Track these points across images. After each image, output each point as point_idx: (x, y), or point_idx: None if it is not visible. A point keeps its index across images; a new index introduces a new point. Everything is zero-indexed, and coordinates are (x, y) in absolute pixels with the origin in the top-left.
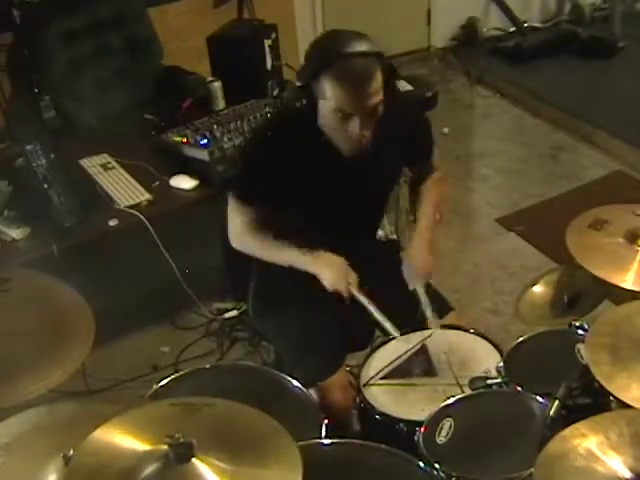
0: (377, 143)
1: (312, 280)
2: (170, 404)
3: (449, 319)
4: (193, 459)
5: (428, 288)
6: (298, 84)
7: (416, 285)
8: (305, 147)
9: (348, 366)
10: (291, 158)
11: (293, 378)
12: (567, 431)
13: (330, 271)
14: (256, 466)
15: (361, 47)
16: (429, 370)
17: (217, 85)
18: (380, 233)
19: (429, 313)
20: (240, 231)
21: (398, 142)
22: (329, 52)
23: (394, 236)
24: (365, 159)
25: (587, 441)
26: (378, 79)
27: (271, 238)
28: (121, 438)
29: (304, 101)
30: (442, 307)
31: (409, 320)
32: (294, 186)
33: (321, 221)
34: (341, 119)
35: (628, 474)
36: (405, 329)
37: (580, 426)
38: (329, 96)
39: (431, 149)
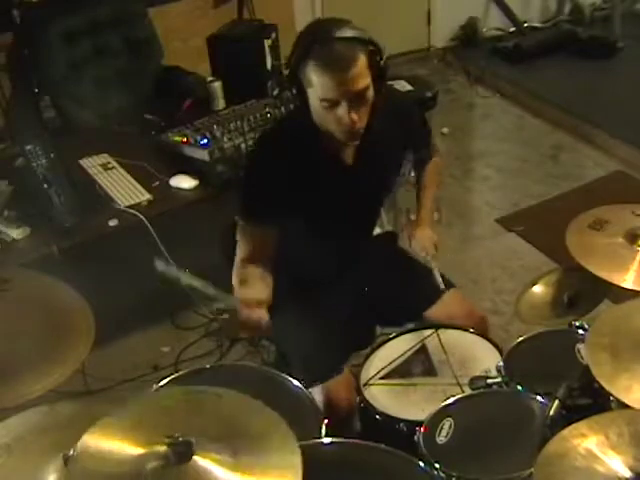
0: (377, 145)
1: (315, 281)
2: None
3: (450, 295)
4: (193, 458)
5: (426, 269)
6: (286, 73)
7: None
8: (305, 157)
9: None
10: (292, 172)
11: (293, 378)
12: (567, 431)
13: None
14: (256, 466)
15: (343, 33)
16: (429, 370)
17: (217, 85)
18: (379, 232)
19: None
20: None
21: (397, 143)
22: (311, 39)
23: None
24: (366, 162)
25: (587, 441)
26: (361, 64)
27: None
28: (121, 438)
29: (295, 92)
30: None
31: (410, 315)
32: (296, 197)
33: (320, 225)
34: (328, 107)
35: (628, 474)
36: (407, 327)
37: (580, 426)
38: (314, 84)
39: (429, 136)
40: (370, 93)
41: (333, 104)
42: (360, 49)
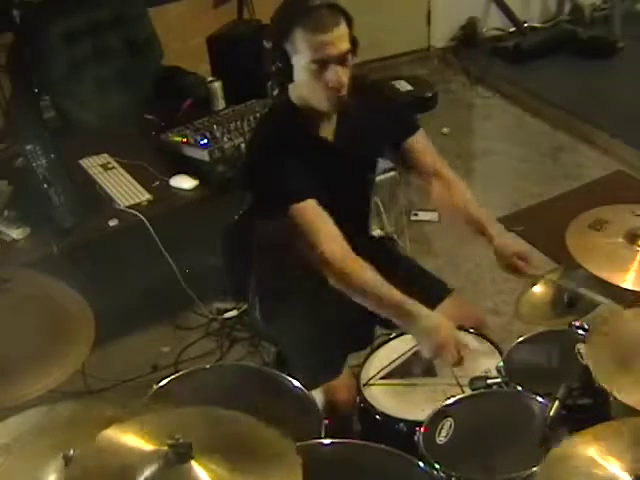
0: (355, 122)
1: (314, 280)
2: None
3: (450, 301)
4: (192, 460)
5: (425, 273)
6: (268, 46)
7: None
8: (293, 141)
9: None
10: (290, 158)
11: (293, 378)
12: (569, 438)
13: (433, 339)
14: (256, 468)
15: (323, 0)
16: (429, 370)
17: (217, 85)
18: (379, 232)
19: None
20: (326, 240)
21: (377, 125)
22: (294, 9)
23: (391, 234)
24: (346, 138)
25: (588, 448)
26: (343, 27)
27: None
28: (121, 438)
29: (280, 65)
30: (441, 289)
31: None
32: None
33: None
34: (317, 71)
35: (628, 479)
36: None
37: (581, 434)
38: (302, 48)
39: (414, 126)
40: (350, 60)
41: (322, 66)
42: (340, 15)
